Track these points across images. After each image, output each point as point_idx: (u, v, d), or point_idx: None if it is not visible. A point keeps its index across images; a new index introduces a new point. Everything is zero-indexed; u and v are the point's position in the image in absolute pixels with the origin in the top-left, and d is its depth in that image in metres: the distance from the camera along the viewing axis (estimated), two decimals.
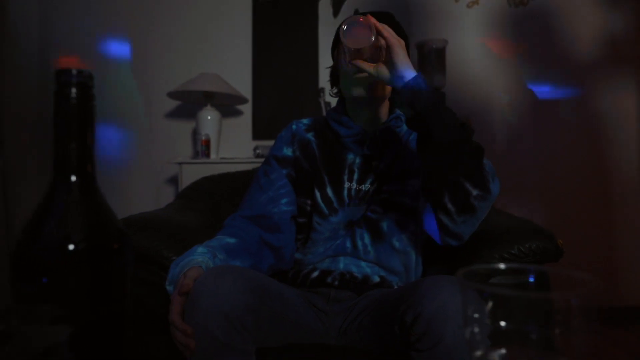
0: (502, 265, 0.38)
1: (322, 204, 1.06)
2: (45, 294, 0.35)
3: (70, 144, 0.37)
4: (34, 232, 0.36)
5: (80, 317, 0.35)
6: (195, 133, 2.44)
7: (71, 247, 0.35)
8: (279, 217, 1.06)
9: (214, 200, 1.59)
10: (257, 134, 2.56)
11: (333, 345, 0.98)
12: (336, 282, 1.02)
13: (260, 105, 2.57)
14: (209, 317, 0.77)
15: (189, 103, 2.49)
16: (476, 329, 0.36)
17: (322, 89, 2.55)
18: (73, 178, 0.37)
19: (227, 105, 2.50)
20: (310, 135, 1.13)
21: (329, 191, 1.06)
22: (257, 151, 2.25)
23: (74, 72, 0.37)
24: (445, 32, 2.50)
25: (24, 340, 0.35)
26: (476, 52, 2.53)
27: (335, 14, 2.59)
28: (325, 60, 2.54)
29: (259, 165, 1.84)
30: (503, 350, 0.36)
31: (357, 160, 1.08)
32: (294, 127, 1.17)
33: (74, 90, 0.37)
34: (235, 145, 2.51)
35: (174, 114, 2.60)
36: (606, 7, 2.51)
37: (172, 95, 2.35)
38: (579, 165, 2.48)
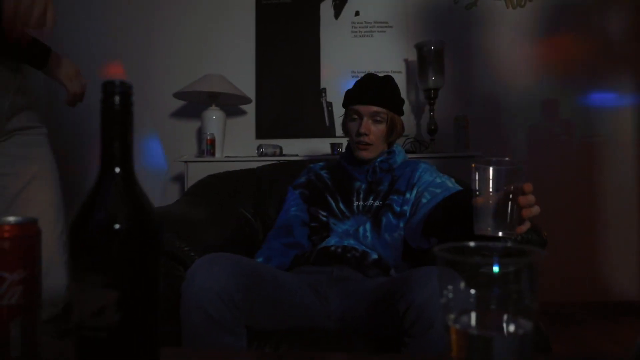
0: (472, 244, 0.46)
1: (337, 212, 1.36)
2: (97, 265, 0.42)
3: (115, 142, 0.45)
4: (87, 215, 0.43)
5: (124, 284, 0.43)
6: (200, 132, 2.52)
7: (117, 227, 0.43)
8: (290, 221, 1.38)
9: (220, 196, 1.66)
10: (260, 133, 2.63)
11: (332, 330, 1.05)
12: (339, 250, 1.19)
13: (263, 106, 2.64)
14: (201, 294, 0.85)
15: (194, 103, 2.57)
16: (450, 295, 0.44)
17: (324, 90, 2.62)
18: (117, 170, 0.45)
19: (231, 105, 2.57)
20: (323, 172, 1.48)
21: (342, 206, 1.36)
22: (261, 150, 2.32)
23: (118, 82, 0.45)
24: (444, 33, 2.57)
25: (81, 302, 0.42)
26: (474, 52, 2.60)
27: (337, 16, 2.66)
28: (326, 61, 2.62)
29: (262, 163, 1.92)
30: (473, 314, 0.44)
31: (363, 187, 1.38)
32: (310, 166, 1.54)
33: (117, 98, 0.45)
34: (239, 144, 2.59)
35: (179, 114, 2.68)
36: (603, 7, 2.58)
37: (178, 95, 2.43)
38: (572, 167, 2.54)
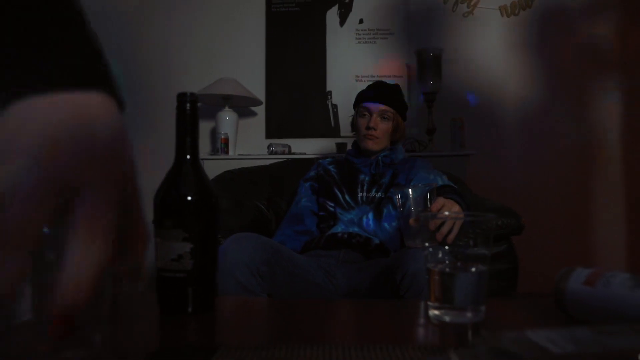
0: (446, 212, 0.63)
1: (343, 203, 1.52)
2: (177, 225, 0.59)
3: (187, 137, 0.62)
4: (168, 189, 0.61)
5: (196, 238, 0.59)
6: (214, 132, 2.69)
7: (189, 198, 0.60)
8: (301, 210, 1.56)
9: (237, 190, 1.84)
10: (269, 133, 2.80)
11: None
12: (345, 236, 1.35)
13: (272, 107, 2.81)
14: (233, 265, 1.03)
15: (208, 105, 2.74)
16: (430, 249, 0.60)
17: (330, 92, 2.79)
18: (188, 157, 0.62)
19: (243, 106, 2.74)
20: (331, 167, 1.64)
21: (347, 197, 1.53)
22: (271, 148, 2.49)
23: (188, 94, 0.62)
24: (443, 39, 2.74)
25: (164, 252, 0.59)
26: (470, 57, 2.76)
27: (342, 23, 2.83)
28: (332, 66, 2.78)
29: (272, 160, 2.09)
30: (446, 262, 0.60)
31: (367, 179, 1.55)
32: (319, 161, 1.72)
33: (188, 105, 0.62)
34: (250, 143, 2.75)
35: None
36: (592, 16, 2.73)
37: None
38: (563, 166, 2.70)
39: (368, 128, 1.50)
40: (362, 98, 1.56)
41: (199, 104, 0.63)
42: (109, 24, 2.88)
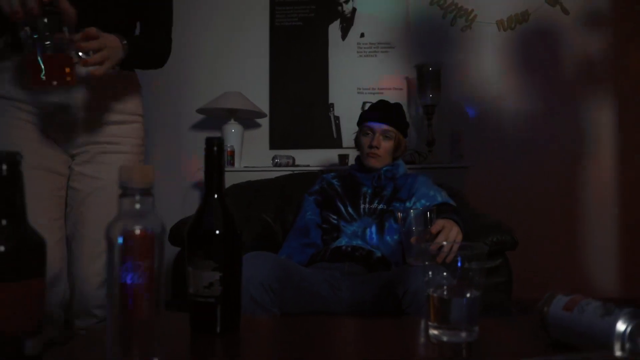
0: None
1: (346, 215, 1.59)
2: (207, 256, 0.67)
3: (214, 177, 0.70)
4: (198, 224, 0.69)
5: (224, 268, 0.67)
6: None
7: (217, 232, 0.68)
8: (306, 224, 1.63)
9: (245, 204, 1.92)
10: (273, 144, 2.89)
11: (344, 314, 1.30)
12: (349, 249, 1.44)
13: (276, 119, 2.89)
14: (248, 282, 1.11)
15: (214, 118, 2.83)
16: (430, 275, 0.68)
17: (332, 105, 2.87)
18: (215, 195, 0.70)
19: (247, 119, 2.83)
20: (334, 181, 1.72)
21: (350, 210, 1.59)
22: (276, 160, 2.57)
23: (215, 138, 0.70)
24: (441, 52, 2.82)
25: (197, 280, 0.67)
26: (468, 71, 2.84)
27: (344, 37, 2.91)
28: (334, 79, 2.87)
29: (276, 172, 2.18)
30: (445, 287, 0.68)
31: (369, 191, 1.62)
32: (323, 175, 1.80)
33: (215, 149, 0.70)
34: (255, 154, 2.83)
35: (199, 126, 2.94)
36: (586, 30, 2.82)
37: (201, 111, 2.68)
38: (561, 179, 2.78)
39: (371, 147, 1.58)
40: (366, 118, 1.64)
41: (205, 116, 0.71)
42: None
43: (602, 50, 2.80)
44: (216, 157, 0.70)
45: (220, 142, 0.70)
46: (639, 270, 2.70)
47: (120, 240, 0.53)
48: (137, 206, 0.54)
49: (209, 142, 0.70)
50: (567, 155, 2.79)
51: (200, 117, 2.89)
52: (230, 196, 1.96)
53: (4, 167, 0.48)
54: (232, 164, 2.55)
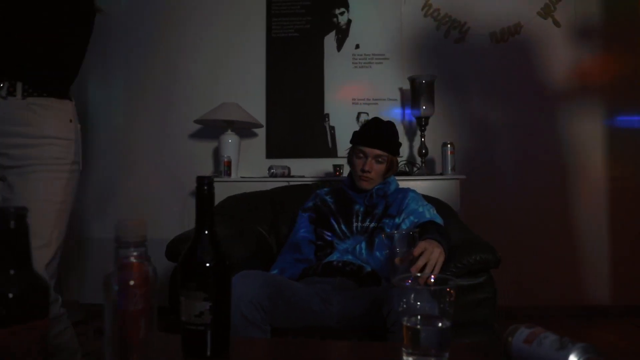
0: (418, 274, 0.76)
1: (339, 233, 1.65)
2: (198, 286, 0.72)
3: (205, 213, 0.75)
4: (191, 257, 0.74)
5: (214, 298, 0.73)
6: (217, 152, 2.82)
7: (207, 264, 0.73)
8: (299, 240, 1.68)
9: (240, 216, 1.96)
10: (270, 154, 2.94)
11: (334, 328, 1.36)
12: (340, 264, 1.49)
13: (273, 129, 2.95)
14: (238, 300, 1.16)
15: (211, 128, 2.88)
16: (404, 306, 0.74)
17: (327, 115, 2.92)
18: (206, 231, 0.75)
19: (244, 129, 2.88)
20: (328, 197, 1.77)
21: (343, 227, 1.65)
22: (272, 170, 2.62)
23: (206, 178, 0.75)
24: (435, 64, 2.87)
25: (188, 309, 0.73)
26: (462, 82, 2.90)
27: (339, 48, 2.97)
28: (330, 89, 2.92)
29: (272, 183, 2.23)
30: (418, 317, 0.74)
31: (361, 209, 1.67)
32: (317, 192, 1.83)
33: (206, 187, 0.75)
34: (251, 163, 2.89)
35: (196, 136, 2.99)
36: (575, 43, 2.87)
37: (198, 121, 2.74)
38: (551, 184, 2.84)
39: (363, 171, 1.63)
40: (359, 141, 1.66)
41: (203, 126, 0.76)
42: (115, 53, 3.02)
43: (592, 63, 2.85)
44: (207, 195, 0.75)
45: (210, 181, 0.76)
46: (628, 279, 2.76)
47: (116, 288, 0.59)
48: (132, 259, 0.62)
49: (200, 181, 0.75)
50: (558, 165, 2.84)
51: (197, 126, 2.94)
52: (225, 208, 2.01)
53: (13, 222, 0.52)
54: (229, 174, 2.60)
